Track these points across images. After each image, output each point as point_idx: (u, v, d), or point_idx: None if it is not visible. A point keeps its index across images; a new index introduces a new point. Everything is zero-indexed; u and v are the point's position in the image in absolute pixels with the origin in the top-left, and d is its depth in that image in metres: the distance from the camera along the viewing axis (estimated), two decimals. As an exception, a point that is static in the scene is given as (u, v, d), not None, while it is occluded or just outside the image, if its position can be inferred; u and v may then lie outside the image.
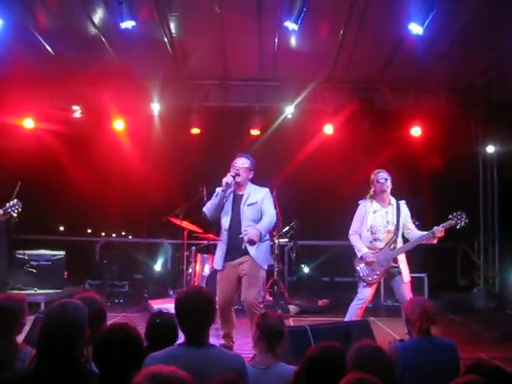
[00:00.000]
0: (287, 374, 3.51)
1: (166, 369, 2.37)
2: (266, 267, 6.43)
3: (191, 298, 3.47)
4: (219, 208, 6.35)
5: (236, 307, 8.57)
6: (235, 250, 6.23)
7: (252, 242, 6.15)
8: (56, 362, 2.89)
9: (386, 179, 6.79)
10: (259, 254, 6.24)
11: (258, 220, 6.29)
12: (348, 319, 6.67)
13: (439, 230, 6.51)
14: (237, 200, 6.35)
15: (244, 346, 6.39)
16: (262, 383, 3.67)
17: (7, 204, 7.59)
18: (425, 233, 6.64)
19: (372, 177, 6.88)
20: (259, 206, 6.31)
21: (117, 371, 2.83)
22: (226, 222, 6.34)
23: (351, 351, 3.21)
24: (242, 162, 6.37)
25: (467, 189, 11.57)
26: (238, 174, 6.27)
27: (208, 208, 6.40)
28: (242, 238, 6.15)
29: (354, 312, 6.72)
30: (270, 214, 6.34)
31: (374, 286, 6.84)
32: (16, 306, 3.66)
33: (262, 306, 6.21)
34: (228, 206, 6.36)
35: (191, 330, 3.42)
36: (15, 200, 7.63)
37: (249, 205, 6.30)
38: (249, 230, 6.14)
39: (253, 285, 6.16)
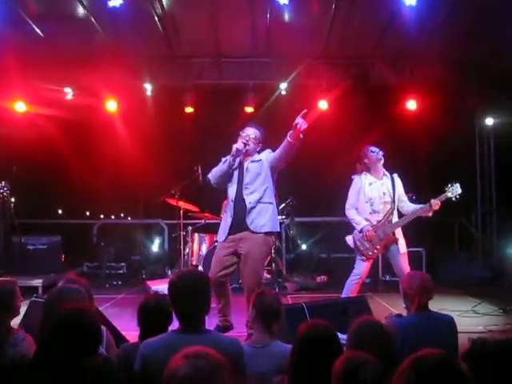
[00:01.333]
0: (284, 352, 3.49)
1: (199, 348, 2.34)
2: (274, 230, 6.10)
3: (185, 281, 3.39)
4: (225, 176, 6.10)
5: (234, 285, 8.62)
6: (238, 223, 5.96)
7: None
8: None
9: (379, 150, 6.81)
10: (261, 223, 5.95)
11: (260, 177, 6.02)
12: (345, 295, 6.68)
13: (435, 203, 6.51)
14: (243, 171, 6.10)
15: (241, 324, 6.34)
16: (259, 362, 3.65)
17: None
18: (421, 205, 6.65)
19: (363, 151, 6.87)
20: (262, 163, 6.07)
21: (70, 355, 2.79)
22: (232, 192, 6.08)
23: (351, 327, 3.20)
24: (251, 133, 6.17)
25: (464, 162, 11.53)
26: (248, 144, 6.07)
27: (213, 174, 6.14)
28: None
29: (350, 287, 6.73)
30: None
31: (371, 261, 6.85)
32: (5, 291, 3.64)
33: (260, 287, 5.88)
34: (235, 177, 6.10)
35: (185, 314, 3.35)
36: (3, 182, 7.57)
37: (253, 161, 6.09)
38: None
39: (253, 268, 5.88)
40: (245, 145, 6.04)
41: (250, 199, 5.99)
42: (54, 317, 3.03)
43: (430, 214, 6.63)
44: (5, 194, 7.75)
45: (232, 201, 6.07)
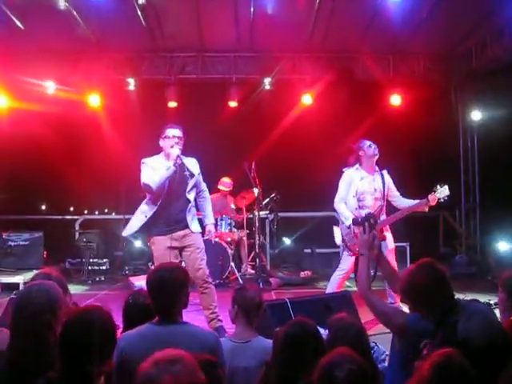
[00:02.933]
0: (266, 347, 3.47)
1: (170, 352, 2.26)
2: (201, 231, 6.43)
3: (161, 274, 3.42)
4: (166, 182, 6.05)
5: (218, 281, 8.60)
6: (176, 223, 6.06)
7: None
8: (27, 347, 2.79)
9: (376, 145, 6.78)
10: (196, 224, 6.23)
11: (196, 188, 6.26)
12: (330, 290, 6.67)
13: (433, 198, 6.45)
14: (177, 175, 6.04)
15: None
16: (242, 357, 3.65)
17: None
18: (417, 201, 6.61)
19: (358, 144, 6.83)
20: (199, 177, 6.25)
21: (85, 360, 2.64)
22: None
23: (328, 325, 3.19)
24: (178, 134, 6.12)
25: (448, 157, 11.56)
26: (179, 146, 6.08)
27: (156, 182, 5.97)
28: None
29: (335, 282, 6.71)
30: (207, 192, 6.51)
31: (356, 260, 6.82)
32: None
33: (210, 279, 6.20)
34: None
35: (162, 306, 3.35)
36: None
37: (199, 174, 6.25)
38: (210, 229, 6.36)
39: (201, 258, 6.10)
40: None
41: (189, 200, 6.15)
42: (21, 317, 2.94)
43: (427, 209, 6.60)
44: None
45: (165, 203, 6.06)
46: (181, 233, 6.08)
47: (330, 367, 2.40)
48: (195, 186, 6.22)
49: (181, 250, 6.12)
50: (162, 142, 6.17)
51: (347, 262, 6.77)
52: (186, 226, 6.09)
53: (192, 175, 6.12)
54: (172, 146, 6.02)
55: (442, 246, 11.71)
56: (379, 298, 3.87)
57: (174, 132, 6.13)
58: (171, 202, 6.05)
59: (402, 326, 3.54)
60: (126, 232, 6.42)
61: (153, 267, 9.74)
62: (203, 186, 6.39)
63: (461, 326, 2.95)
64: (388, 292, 6.43)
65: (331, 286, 6.72)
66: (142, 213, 6.23)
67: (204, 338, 3.33)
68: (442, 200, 6.54)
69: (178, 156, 5.99)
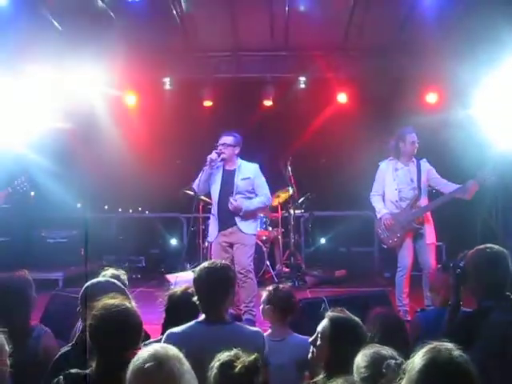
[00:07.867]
0: (302, 344, 3.61)
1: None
2: (254, 233, 6.86)
3: (210, 273, 3.46)
4: (207, 184, 6.73)
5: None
6: (226, 221, 6.62)
7: (236, 212, 6.53)
8: None
9: (417, 139, 6.75)
10: (246, 224, 6.63)
11: (250, 192, 6.69)
12: (398, 291, 6.62)
13: (472, 184, 6.30)
14: (226, 174, 6.70)
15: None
16: (279, 354, 3.76)
17: (15, 182, 7.59)
18: (455, 187, 6.47)
19: (403, 134, 6.78)
20: (252, 181, 6.69)
21: (114, 352, 2.75)
22: (215, 195, 6.71)
23: (368, 320, 3.25)
24: (224, 140, 6.72)
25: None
26: (222, 153, 6.64)
27: (197, 184, 6.72)
28: (231, 203, 6.53)
29: (399, 283, 6.65)
30: (265, 196, 6.76)
31: (411, 253, 6.67)
32: (24, 283, 3.69)
33: (251, 275, 6.55)
34: (217, 181, 6.71)
35: (211, 305, 3.40)
36: (23, 177, 7.62)
37: (242, 179, 6.63)
38: (233, 202, 6.52)
39: (242, 253, 6.54)
40: (219, 154, 6.65)
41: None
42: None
43: (468, 197, 6.40)
44: (24, 189, 7.79)
45: (216, 203, 6.77)
46: (229, 230, 6.62)
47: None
48: (246, 191, 6.68)
49: (231, 245, 6.65)
50: None
51: (401, 260, 6.68)
52: (234, 225, 6.58)
53: (244, 178, 6.67)
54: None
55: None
56: None
57: (220, 140, 6.77)
58: (221, 203, 6.66)
59: None
60: (210, 238, 6.98)
61: (189, 266, 9.95)
62: (260, 191, 6.75)
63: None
64: (425, 295, 6.36)
65: (398, 288, 6.66)
66: (213, 214, 6.91)
67: (251, 337, 3.38)
68: (489, 181, 6.37)
69: (211, 160, 6.61)
